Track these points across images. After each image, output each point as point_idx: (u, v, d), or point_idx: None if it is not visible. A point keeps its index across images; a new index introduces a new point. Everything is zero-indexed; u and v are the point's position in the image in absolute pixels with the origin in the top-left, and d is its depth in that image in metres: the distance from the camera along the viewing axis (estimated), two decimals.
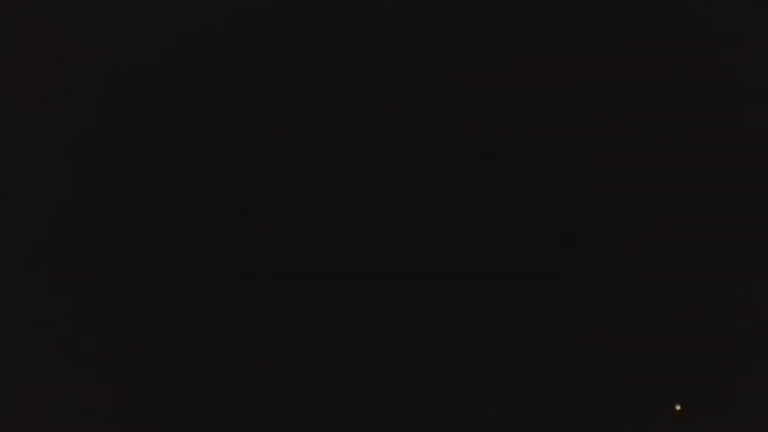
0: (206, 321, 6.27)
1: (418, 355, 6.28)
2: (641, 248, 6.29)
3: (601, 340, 6.22)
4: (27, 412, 6.17)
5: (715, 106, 6.36)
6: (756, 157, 6.30)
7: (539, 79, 6.40)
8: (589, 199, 6.33)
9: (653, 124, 6.35)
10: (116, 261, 6.31)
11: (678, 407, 6.07)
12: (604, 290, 6.27)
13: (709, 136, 6.33)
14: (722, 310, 6.22)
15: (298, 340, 6.28)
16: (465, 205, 6.37)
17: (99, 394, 6.21)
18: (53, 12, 6.39)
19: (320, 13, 6.43)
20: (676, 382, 6.15)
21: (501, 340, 6.26)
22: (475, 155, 6.39)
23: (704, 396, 6.12)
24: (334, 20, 6.43)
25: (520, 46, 6.41)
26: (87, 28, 6.41)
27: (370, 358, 6.25)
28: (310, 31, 6.42)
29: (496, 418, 6.15)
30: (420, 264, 6.33)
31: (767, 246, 6.26)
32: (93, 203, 6.34)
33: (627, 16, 6.32)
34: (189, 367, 6.24)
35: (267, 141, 6.40)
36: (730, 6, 6.34)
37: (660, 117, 6.35)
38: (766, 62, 6.34)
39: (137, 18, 6.42)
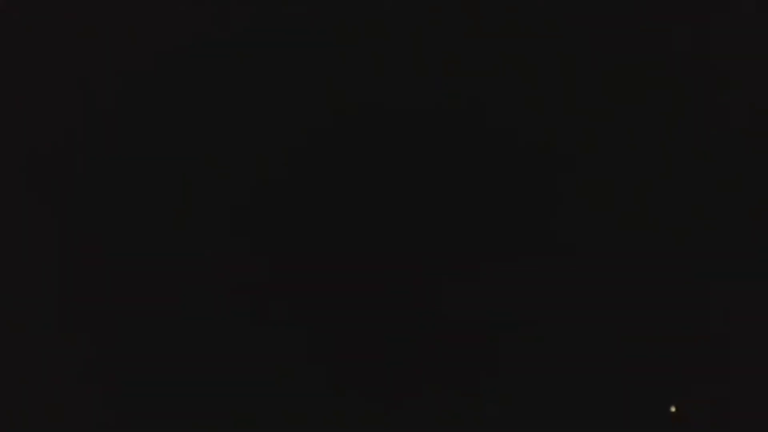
0: (206, 319, 6.28)
1: (417, 354, 6.28)
2: (639, 248, 6.29)
3: (599, 339, 6.22)
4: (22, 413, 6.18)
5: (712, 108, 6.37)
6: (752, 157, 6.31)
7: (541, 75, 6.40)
8: (589, 198, 6.34)
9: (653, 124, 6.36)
10: (114, 260, 6.31)
11: (673, 409, 6.07)
12: (602, 289, 6.27)
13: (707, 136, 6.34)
14: (722, 309, 6.23)
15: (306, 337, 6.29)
16: (461, 206, 6.37)
17: (90, 395, 6.21)
18: (53, 12, 6.40)
19: (319, 11, 6.44)
20: (673, 383, 6.15)
21: (499, 339, 6.26)
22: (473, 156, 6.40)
23: (703, 396, 6.12)
24: (333, 17, 6.43)
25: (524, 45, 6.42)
26: (86, 28, 6.41)
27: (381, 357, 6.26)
28: (309, 28, 6.43)
29: (495, 418, 6.15)
30: (410, 263, 6.34)
31: (766, 246, 6.26)
32: (89, 201, 6.35)
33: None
34: (187, 367, 6.24)
35: (266, 139, 6.40)
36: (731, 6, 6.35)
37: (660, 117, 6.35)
38: (765, 64, 6.34)
39: (137, 17, 6.43)
